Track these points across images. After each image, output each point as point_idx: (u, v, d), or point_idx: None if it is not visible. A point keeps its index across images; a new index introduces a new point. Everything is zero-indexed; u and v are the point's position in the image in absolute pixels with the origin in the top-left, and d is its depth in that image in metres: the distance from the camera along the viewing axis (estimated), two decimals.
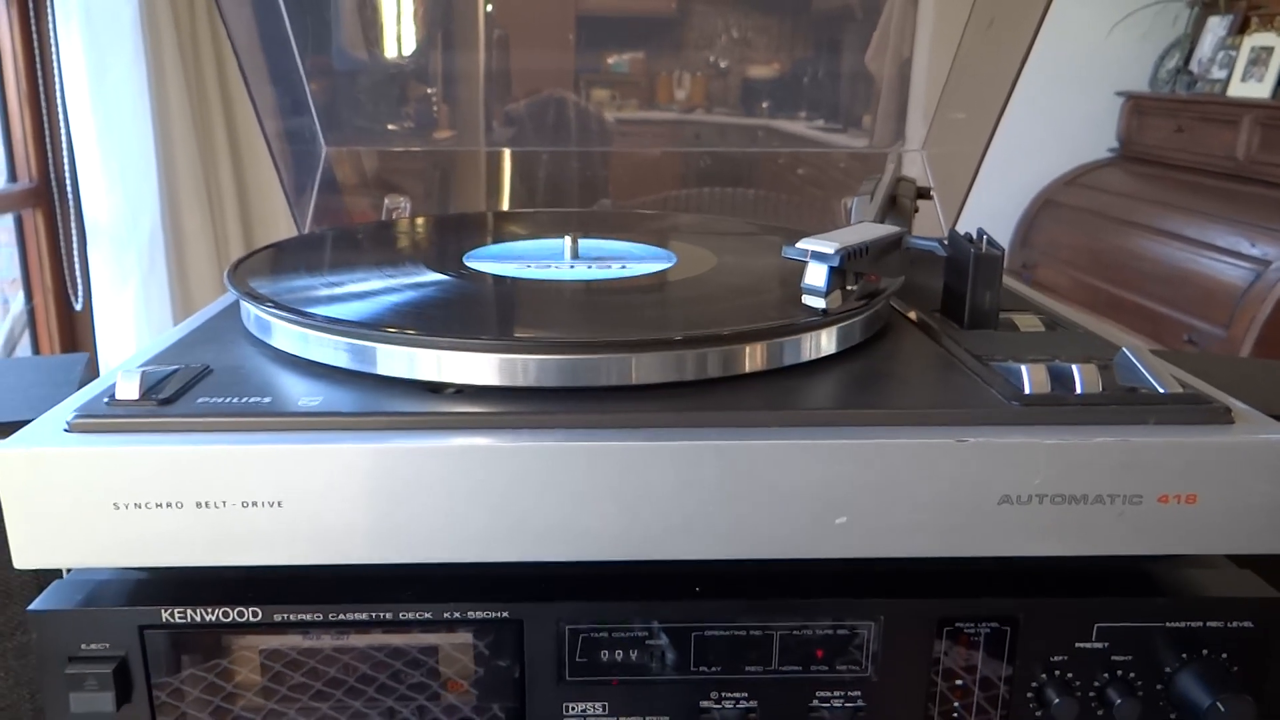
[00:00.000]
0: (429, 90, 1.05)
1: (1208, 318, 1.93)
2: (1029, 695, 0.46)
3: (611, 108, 1.06)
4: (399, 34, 1.04)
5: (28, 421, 0.45)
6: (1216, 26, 2.37)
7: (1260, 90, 2.17)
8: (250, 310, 0.55)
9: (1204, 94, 2.33)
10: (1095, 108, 2.53)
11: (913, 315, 0.60)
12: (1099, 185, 2.44)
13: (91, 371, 0.67)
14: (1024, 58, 0.78)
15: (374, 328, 0.48)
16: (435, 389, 0.47)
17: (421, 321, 0.51)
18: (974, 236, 0.56)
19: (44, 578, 0.56)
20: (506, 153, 1.05)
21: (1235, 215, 2.02)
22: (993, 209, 2.41)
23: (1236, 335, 1.86)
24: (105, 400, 0.44)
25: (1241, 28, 2.31)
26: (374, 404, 0.45)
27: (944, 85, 0.93)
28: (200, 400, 0.44)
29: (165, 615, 0.44)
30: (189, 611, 0.44)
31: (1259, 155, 2.09)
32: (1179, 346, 1.95)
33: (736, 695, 0.47)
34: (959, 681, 0.47)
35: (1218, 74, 2.33)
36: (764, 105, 1.06)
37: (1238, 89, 2.24)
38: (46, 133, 1.79)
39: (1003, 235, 2.46)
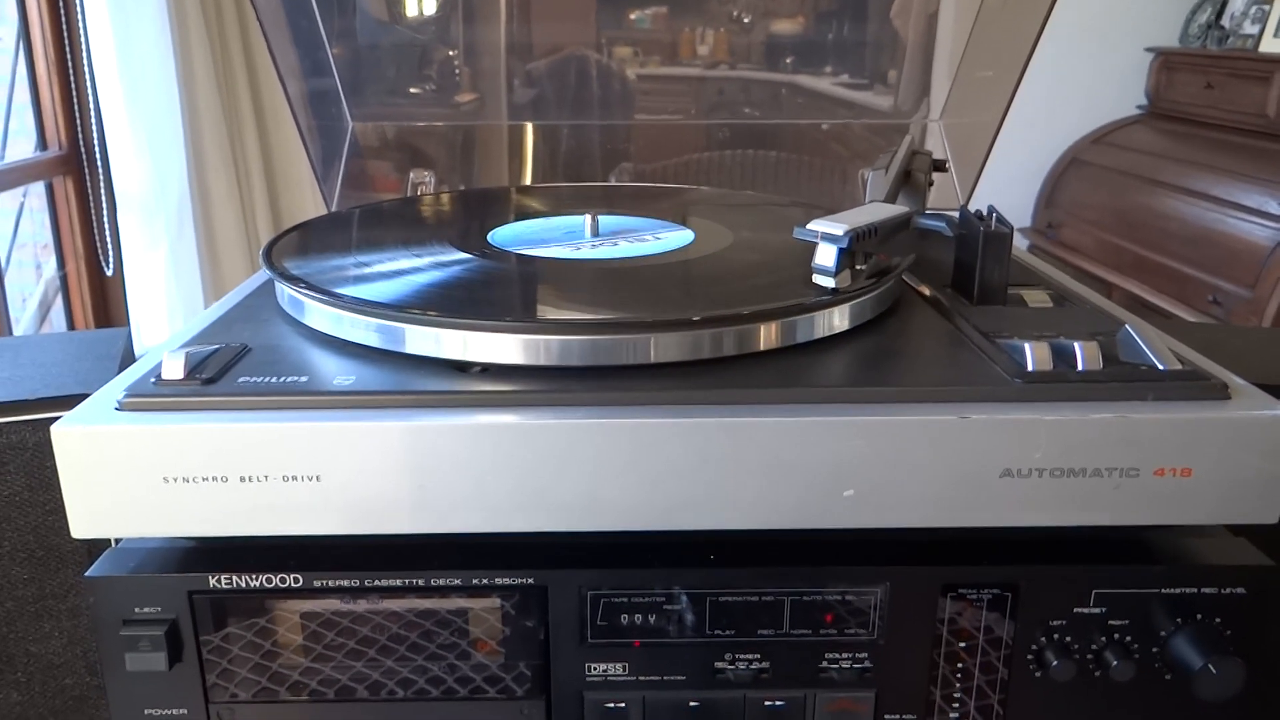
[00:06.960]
0: (451, 57, 1.06)
1: (1233, 278, 1.92)
2: (1029, 658, 0.49)
3: (634, 64, 1.06)
4: (420, 1, 1.04)
5: (78, 396, 0.48)
6: None
7: None
8: (285, 291, 0.57)
9: (1235, 49, 2.29)
10: (1124, 64, 2.49)
11: (925, 290, 0.61)
12: (1126, 144, 2.41)
13: (130, 345, 0.70)
14: (1041, 27, 0.78)
15: (403, 309, 0.50)
16: (462, 368, 0.49)
17: (448, 302, 0.53)
18: (984, 214, 0.58)
19: (94, 545, 0.59)
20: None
21: (1263, 174, 1.99)
22: (1018, 168, 2.38)
23: (1262, 296, 1.84)
24: (152, 380, 0.47)
25: None
26: (404, 382, 0.47)
27: (963, 54, 0.93)
28: (241, 379, 0.47)
29: (213, 581, 0.47)
30: (234, 578, 0.47)
31: None
32: (1204, 307, 1.94)
33: (750, 657, 0.49)
34: (962, 645, 0.49)
35: (1250, 29, 2.28)
36: (788, 61, 1.05)
37: (1270, 45, 2.20)
38: (75, 101, 1.81)
39: (1028, 194, 2.43)
